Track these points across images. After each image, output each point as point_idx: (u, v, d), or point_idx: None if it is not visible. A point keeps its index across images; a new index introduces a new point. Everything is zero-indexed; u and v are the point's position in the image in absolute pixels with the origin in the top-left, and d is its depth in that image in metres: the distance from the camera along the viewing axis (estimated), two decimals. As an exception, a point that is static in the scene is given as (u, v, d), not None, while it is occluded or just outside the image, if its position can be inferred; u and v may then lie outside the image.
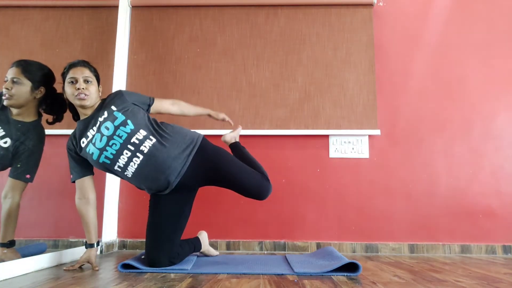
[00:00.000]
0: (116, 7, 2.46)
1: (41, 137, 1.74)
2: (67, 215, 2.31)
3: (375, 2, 2.46)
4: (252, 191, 1.62)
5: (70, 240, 2.25)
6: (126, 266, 1.55)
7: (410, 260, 1.95)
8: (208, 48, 2.48)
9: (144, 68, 2.47)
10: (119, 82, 2.37)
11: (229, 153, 1.72)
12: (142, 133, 1.51)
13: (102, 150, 1.50)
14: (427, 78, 2.44)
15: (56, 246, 2.24)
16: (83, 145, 1.56)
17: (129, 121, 1.51)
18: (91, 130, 1.55)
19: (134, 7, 2.54)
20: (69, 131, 2.31)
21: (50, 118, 1.78)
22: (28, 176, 1.67)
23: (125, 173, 1.53)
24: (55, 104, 1.76)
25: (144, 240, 2.26)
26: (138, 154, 1.50)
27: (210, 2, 2.51)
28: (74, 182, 1.63)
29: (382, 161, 2.37)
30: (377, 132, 2.34)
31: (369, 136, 2.38)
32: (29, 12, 2.51)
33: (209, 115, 1.91)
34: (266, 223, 2.31)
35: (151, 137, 1.52)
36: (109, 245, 2.19)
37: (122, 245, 2.30)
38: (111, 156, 1.50)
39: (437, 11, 2.52)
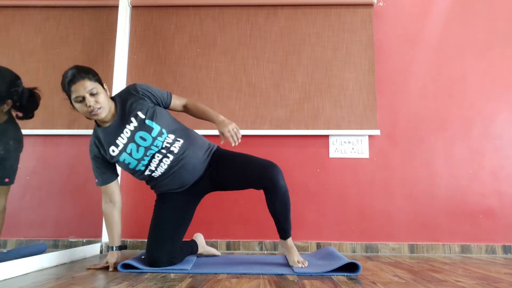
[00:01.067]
0: (116, 7, 2.46)
1: (14, 137, 1.68)
2: (67, 215, 2.31)
3: (375, 2, 2.46)
4: (262, 169, 1.54)
5: (70, 240, 2.25)
6: (126, 266, 1.55)
7: (410, 260, 1.95)
8: (208, 48, 2.48)
9: (144, 68, 2.48)
10: (119, 82, 2.37)
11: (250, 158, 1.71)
12: (171, 137, 1.59)
13: (140, 160, 1.57)
14: (427, 78, 2.44)
15: (56, 246, 2.24)
16: (114, 154, 1.57)
17: (164, 130, 1.56)
18: (119, 138, 1.55)
19: (134, 7, 2.54)
20: (69, 131, 2.34)
21: (19, 113, 1.70)
22: (7, 180, 1.64)
23: (153, 174, 1.61)
24: (25, 105, 1.69)
25: (144, 240, 2.27)
26: (168, 154, 1.57)
27: (210, 2, 2.51)
28: (99, 186, 1.67)
29: (382, 161, 2.37)
30: (377, 132, 2.34)
31: (369, 136, 2.38)
32: (29, 12, 2.51)
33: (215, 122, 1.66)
34: (266, 223, 2.31)
35: (178, 138, 1.60)
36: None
37: (122, 245, 2.29)
38: (146, 163, 1.58)
39: (437, 11, 2.52)
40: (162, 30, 2.51)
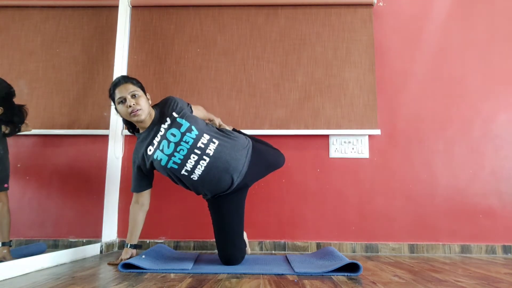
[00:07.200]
0: (116, 7, 2.46)
1: (5, 147, 1.76)
2: (67, 215, 2.31)
3: (375, 2, 2.46)
4: (276, 165, 1.91)
5: (70, 240, 2.25)
6: (126, 266, 1.55)
7: (410, 260, 1.95)
8: (208, 48, 2.48)
9: (144, 68, 2.47)
10: (119, 82, 2.37)
11: (267, 148, 1.88)
12: (205, 137, 1.63)
13: (170, 156, 1.61)
14: (427, 78, 2.44)
15: (56, 246, 2.24)
16: (150, 153, 1.66)
17: (193, 127, 1.63)
18: (156, 138, 1.65)
19: (134, 7, 2.54)
20: (69, 131, 2.34)
21: (7, 129, 1.78)
22: (6, 185, 1.71)
23: (192, 176, 1.62)
24: (13, 117, 1.78)
25: (143, 240, 2.28)
26: (204, 157, 1.60)
27: (210, 2, 2.51)
28: (132, 192, 1.78)
29: (382, 161, 2.36)
30: (377, 132, 2.34)
31: (369, 136, 2.38)
32: (29, 12, 2.51)
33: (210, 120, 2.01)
34: (266, 223, 2.31)
35: (214, 140, 1.64)
36: (109, 245, 2.19)
37: (122, 245, 2.29)
38: (179, 161, 1.61)
39: (437, 10, 2.52)
40: (162, 30, 2.51)
